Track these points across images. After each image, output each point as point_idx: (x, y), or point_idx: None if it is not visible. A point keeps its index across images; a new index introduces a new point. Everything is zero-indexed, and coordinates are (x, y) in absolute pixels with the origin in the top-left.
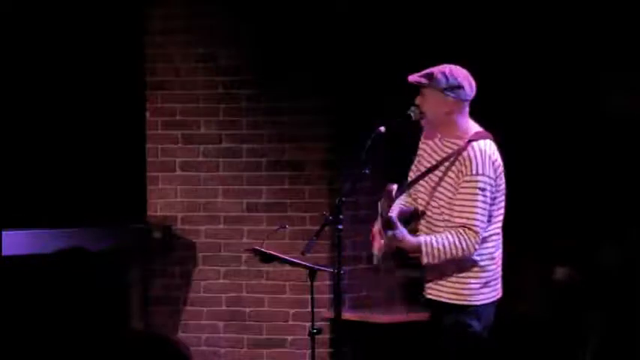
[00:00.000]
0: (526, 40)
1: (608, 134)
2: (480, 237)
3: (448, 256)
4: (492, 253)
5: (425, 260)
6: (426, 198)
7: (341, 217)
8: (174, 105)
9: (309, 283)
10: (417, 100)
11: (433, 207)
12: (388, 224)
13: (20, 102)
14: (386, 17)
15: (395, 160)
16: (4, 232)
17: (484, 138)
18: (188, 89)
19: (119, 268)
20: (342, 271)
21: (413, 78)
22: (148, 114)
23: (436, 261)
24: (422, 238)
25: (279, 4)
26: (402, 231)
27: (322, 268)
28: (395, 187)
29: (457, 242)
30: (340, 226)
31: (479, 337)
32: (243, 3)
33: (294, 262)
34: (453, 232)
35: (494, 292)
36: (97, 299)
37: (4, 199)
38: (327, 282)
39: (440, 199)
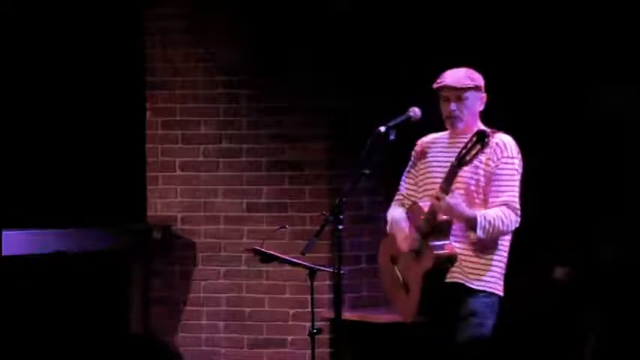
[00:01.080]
0: (525, 41)
1: (607, 134)
2: (520, 215)
3: (497, 232)
4: (506, 247)
5: (479, 233)
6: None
7: (341, 217)
8: (174, 105)
9: (309, 283)
10: (453, 106)
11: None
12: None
13: (20, 102)
14: (386, 17)
15: (395, 160)
16: (4, 232)
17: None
18: (188, 89)
19: (118, 268)
20: (342, 271)
21: (459, 83)
22: (148, 114)
23: (487, 236)
24: (477, 212)
25: (279, 4)
26: (459, 200)
27: (322, 268)
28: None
29: (504, 218)
30: (340, 226)
31: (488, 333)
32: (243, 3)
33: (294, 262)
34: (501, 208)
35: (502, 287)
36: (96, 300)
37: (4, 199)
38: (327, 282)
39: (462, 187)
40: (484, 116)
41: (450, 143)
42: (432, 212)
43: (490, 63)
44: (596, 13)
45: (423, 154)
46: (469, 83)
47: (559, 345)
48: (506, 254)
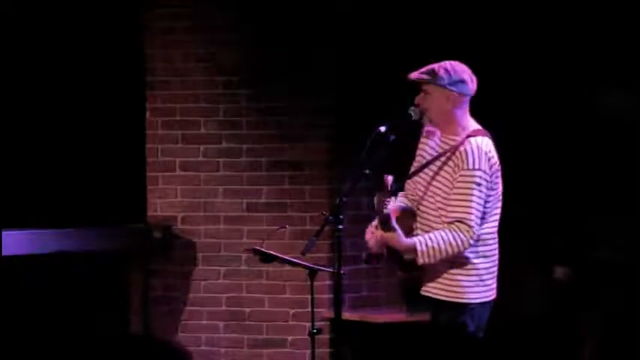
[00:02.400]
0: (524, 40)
1: (606, 134)
2: (475, 232)
3: (444, 255)
4: (485, 252)
5: (420, 261)
6: (421, 194)
7: (341, 217)
8: (174, 105)
9: (309, 283)
10: (418, 99)
11: (429, 203)
12: (383, 221)
13: (20, 102)
14: (386, 17)
15: (395, 161)
16: (4, 232)
17: (482, 135)
18: (188, 89)
19: (118, 268)
20: (342, 271)
21: (415, 75)
22: (148, 114)
23: (432, 260)
24: (416, 239)
25: (279, 4)
26: (396, 231)
27: (322, 268)
28: (391, 178)
29: (452, 240)
30: (340, 226)
31: (472, 337)
32: (243, 3)
33: (294, 262)
34: (447, 229)
35: (487, 292)
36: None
37: (4, 199)
38: (327, 282)
39: (436, 194)
40: (486, 116)
41: (438, 142)
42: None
43: (491, 63)
44: (598, 13)
45: (420, 147)
46: (425, 77)
47: (558, 345)
48: (482, 260)
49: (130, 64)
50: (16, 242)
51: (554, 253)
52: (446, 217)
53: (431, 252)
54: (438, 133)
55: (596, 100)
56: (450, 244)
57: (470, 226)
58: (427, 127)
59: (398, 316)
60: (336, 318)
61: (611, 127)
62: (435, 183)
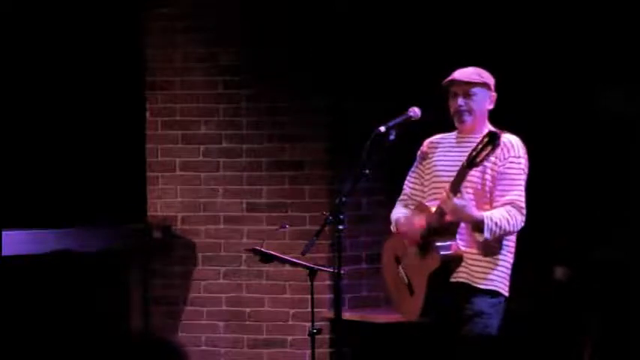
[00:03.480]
0: (525, 41)
1: (606, 134)
2: (525, 214)
3: (504, 232)
4: (510, 248)
5: (487, 235)
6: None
7: (341, 217)
8: (174, 105)
9: (309, 283)
10: (462, 101)
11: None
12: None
13: (20, 102)
14: (386, 17)
15: (395, 160)
16: (4, 232)
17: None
18: (188, 89)
19: (118, 268)
20: (342, 271)
21: (467, 77)
22: (148, 114)
23: (494, 236)
24: (484, 213)
25: (279, 4)
26: (467, 202)
27: (322, 268)
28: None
29: (510, 219)
30: (340, 226)
31: (493, 333)
32: (243, 3)
33: (294, 262)
34: (506, 207)
35: (508, 287)
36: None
37: (4, 199)
38: (327, 282)
39: (471, 188)
40: (490, 115)
41: (457, 143)
42: (440, 213)
43: (491, 63)
44: (599, 13)
45: (429, 154)
46: (477, 79)
47: (558, 345)
48: (512, 254)
49: (130, 64)
50: (16, 242)
51: (554, 253)
52: (497, 202)
53: (495, 228)
54: (444, 141)
55: (596, 100)
56: (509, 221)
57: (522, 207)
58: (423, 149)
59: (398, 316)
60: (336, 318)
61: (612, 127)
62: (469, 178)
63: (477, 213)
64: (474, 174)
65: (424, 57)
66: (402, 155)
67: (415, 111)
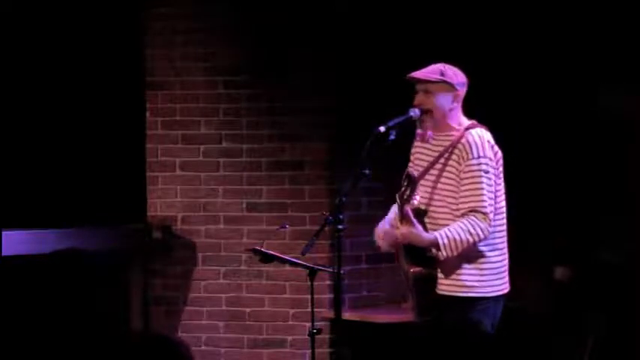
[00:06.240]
0: (524, 40)
1: (607, 134)
2: (490, 218)
3: (465, 245)
4: (496, 245)
5: (444, 254)
6: (427, 195)
7: (341, 217)
8: (174, 105)
9: (309, 283)
10: (419, 99)
11: (436, 201)
12: (407, 217)
13: (20, 102)
14: (386, 17)
15: (395, 160)
16: (4, 232)
17: (480, 127)
18: (188, 89)
19: (118, 269)
20: (342, 271)
21: (422, 75)
22: (148, 114)
23: (455, 253)
24: (436, 233)
25: (279, 4)
26: (417, 227)
27: (322, 268)
28: (416, 173)
29: (471, 229)
30: (340, 226)
31: (486, 335)
32: (243, 3)
33: (294, 262)
34: (464, 220)
35: (502, 286)
36: (96, 299)
37: (4, 199)
38: (327, 282)
39: (443, 191)
40: (486, 116)
41: (432, 143)
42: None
43: (491, 63)
44: (599, 12)
45: (414, 152)
46: (435, 77)
47: (559, 345)
48: (499, 251)
49: (130, 64)
50: (16, 242)
51: (556, 254)
52: (459, 209)
53: (452, 244)
54: (429, 133)
55: (596, 100)
56: (470, 232)
57: (485, 213)
58: (420, 131)
59: (398, 316)
60: (336, 318)
61: (612, 127)
62: (442, 181)
63: (426, 236)
64: (443, 186)
65: (424, 57)
66: (402, 155)
67: (416, 111)
